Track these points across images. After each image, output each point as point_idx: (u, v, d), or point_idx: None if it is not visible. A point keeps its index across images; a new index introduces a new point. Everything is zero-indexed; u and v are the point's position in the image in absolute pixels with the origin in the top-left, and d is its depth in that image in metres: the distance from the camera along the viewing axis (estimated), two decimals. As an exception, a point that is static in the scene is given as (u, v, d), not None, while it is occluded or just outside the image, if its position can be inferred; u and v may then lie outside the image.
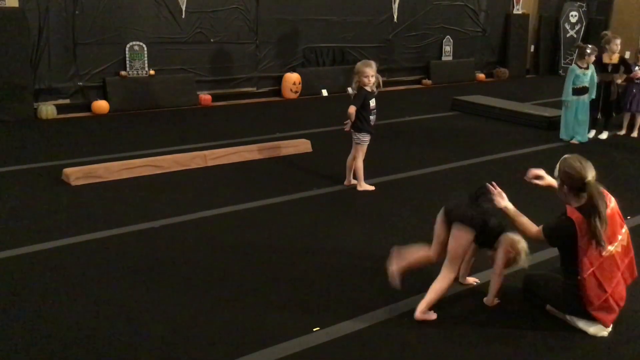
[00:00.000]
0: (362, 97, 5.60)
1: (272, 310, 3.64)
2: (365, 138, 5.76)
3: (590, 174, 3.33)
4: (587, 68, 7.76)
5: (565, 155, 3.52)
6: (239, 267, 4.22)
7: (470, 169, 6.78)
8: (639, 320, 3.66)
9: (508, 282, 3.88)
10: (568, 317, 3.54)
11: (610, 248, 3.38)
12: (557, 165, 3.47)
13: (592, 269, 3.34)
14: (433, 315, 3.54)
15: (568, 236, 3.36)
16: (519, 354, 3.29)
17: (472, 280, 4.02)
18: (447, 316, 3.62)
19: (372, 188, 5.90)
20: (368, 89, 5.60)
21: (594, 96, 7.87)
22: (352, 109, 5.59)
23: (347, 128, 5.81)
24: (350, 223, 5.09)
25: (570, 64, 8.31)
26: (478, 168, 6.84)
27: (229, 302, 3.73)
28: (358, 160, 5.82)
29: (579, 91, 7.80)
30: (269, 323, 3.50)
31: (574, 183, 3.36)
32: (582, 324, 3.49)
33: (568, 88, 7.82)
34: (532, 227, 3.55)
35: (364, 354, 3.25)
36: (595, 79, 7.84)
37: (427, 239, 4.75)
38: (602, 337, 3.45)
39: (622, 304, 3.50)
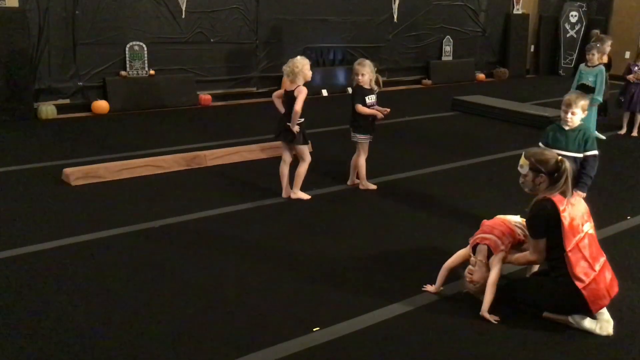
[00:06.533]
0: (358, 94, 5.63)
1: (272, 310, 3.64)
2: (362, 137, 5.77)
3: (555, 154, 3.59)
4: (592, 67, 7.61)
5: (527, 150, 3.73)
6: (238, 267, 4.22)
7: (470, 169, 6.78)
8: (639, 320, 3.66)
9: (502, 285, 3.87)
10: (570, 318, 3.53)
11: (587, 228, 3.51)
12: (524, 161, 3.59)
13: (575, 241, 3.40)
14: None
15: (551, 215, 3.42)
16: (519, 354, 3.29)
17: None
18: (446, 317, 3.63)
19: (374, 187, 5.91)
20: (366, 86, 5.63)
21: (600, 99, 7.52)
22: (358, 108, 5.59)
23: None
24: (350, 222, 5.09)
25: (570, 64, 8.23)
26: (478, 168, 6.84)
27: (229, 302, 3.73)
28: (360, 158, 5.83)
29: (579, 88, 7.69)
30: (269, 323, 3.50)
31: (550, 166, 3.51)
32: (587, 323, 3.49)
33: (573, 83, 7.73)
34: (526, 254, 3.70)
35: (363, 354, 3.24)
36: (603, 81, 7.51)
37: (427, 239, 4.76)
38: (602, 337, 3.44)
39: (612, 293, 3.51)
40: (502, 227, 3.81)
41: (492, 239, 3.72)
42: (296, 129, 5.34)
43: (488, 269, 3.67)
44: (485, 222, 3.95)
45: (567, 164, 3.50)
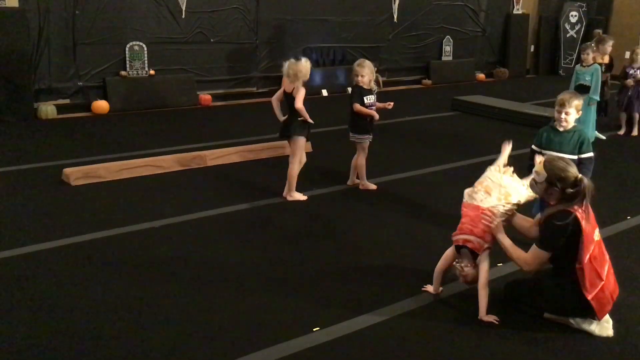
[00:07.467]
0: (357, 94, 5.65)
1: (272, 310, 3.64)
2: (361, 137, 5.77)
3: (576, 170, 3.48)
4: (587, 66, 7.60)
5: (546, 158, 3.57)
6: (239, 267, 4.22)
7: (470, 169, 6.76)
8: (639, 320, 3.66)
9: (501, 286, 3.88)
10: (571, 319, 3.53)
11: (596, 237, 3.46)
12: (542, 170, 3.45)
13: (589, 255, 3.36)
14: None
15: (572, 231, 3.35)
16: (519, 354, 3.29)
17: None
18: (446, 317, 3.63)
19: (374, 187, 5.92)
20: (365, 86, 5.66)
21: (597, 98, 7.49)
22: (356, 107, 5.62)
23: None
24: (350, 222, 5.09)
25: (570, 64, 8.22)
26: (478, 168, 6.80)
27: (229, 301, 3.73)
28: (360, 158, 5.84)
29: (577, 89, 7.66)
30: (269, 323, 3.50)
31: (567, 184, 3.40)
32: (587, 324, 3.49)
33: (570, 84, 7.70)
34: (522, 254, 3.57)
35: (364, 354, 3.25)
36: (599, 80, 7.46)
37: (427, 239, 4.76)
38: (602, 337, 3.44)
39: (614, 297, 3.50)
40: (482, 225, 3.63)
41: (475, 241, 3.62)
42: (303, 120, 5.42)
43: (477, 266, 3.64)
44: (465, 211, 3.77)
45: (587, 182, 3.37)
